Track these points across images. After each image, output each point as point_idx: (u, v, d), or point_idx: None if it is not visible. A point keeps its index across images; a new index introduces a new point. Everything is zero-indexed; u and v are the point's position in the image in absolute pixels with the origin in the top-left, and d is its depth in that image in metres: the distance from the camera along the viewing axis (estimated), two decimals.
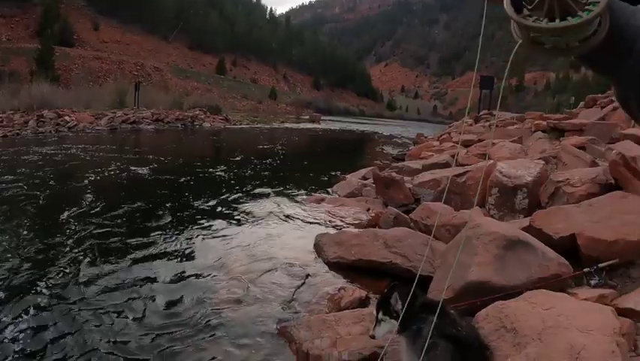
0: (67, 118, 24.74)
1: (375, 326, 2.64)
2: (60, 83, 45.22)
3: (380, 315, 2.61)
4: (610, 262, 4.03)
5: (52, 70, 52.16)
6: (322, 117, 53.06)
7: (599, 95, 17.38)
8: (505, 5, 0.80)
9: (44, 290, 4.37)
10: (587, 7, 0.76)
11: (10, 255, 5.25)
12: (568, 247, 4.34)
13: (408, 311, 2.48)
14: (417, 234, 5.36)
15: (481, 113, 25.55)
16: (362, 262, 4.85)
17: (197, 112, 34.12)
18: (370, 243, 5.08)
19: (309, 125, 40.03)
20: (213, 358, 3.38)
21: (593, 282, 3.89)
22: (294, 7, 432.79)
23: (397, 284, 2.72)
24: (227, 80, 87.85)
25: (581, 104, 19.18)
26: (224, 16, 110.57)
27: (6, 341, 3.51)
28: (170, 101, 37.99)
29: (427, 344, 2.39)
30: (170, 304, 4.18)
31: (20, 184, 9.26)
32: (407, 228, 5.81)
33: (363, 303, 4.09)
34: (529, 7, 0.79)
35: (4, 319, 3.81)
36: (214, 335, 3.68)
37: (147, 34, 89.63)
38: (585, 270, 3.94)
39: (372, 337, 2.65)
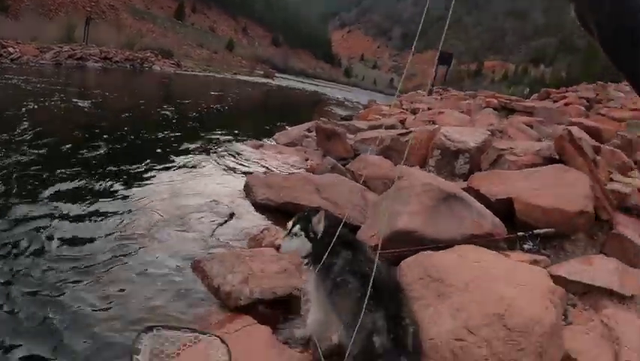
0: (10, 50, 23.52)
1: (285, 236, 2.40)
2: (8, 14, 42.70)
3: (296, 228, 2.36)
4: (545, 230, 3.90)
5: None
6: (277, 75, 52.32)
7: (554, 89, 17.65)
8: None
9: None
10: None
11: None
12: (504, 211, 4.17)
13: (325, 240, 2.28)
14: (350, 182, 5.13)
15: (435, 87, 25.54)
16: (290, 206, 4.59)
17: (148, 54, 33.01)
18: (301, 187, 4.84)
19: (263, 80, 39.38)
20: (121, 290, 3.09)
21: (526, 246, 3.75)
22: None
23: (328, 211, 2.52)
24: (184, 26, 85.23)
25: (535, 95, 19.43)
26: None
27: None
28: (121, 40, 36.60)
29: (337, 280, 2.20)
30: (82, 240, 3.79)
31: None
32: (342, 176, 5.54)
33: None
34: None
35: None
36: (125, 269, 3.38)
37: None
38: (520, 234, 3.81)
39: (278, 248, 2.46)
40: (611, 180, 5.66)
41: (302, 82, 51.71)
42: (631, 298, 3.45)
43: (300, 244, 2.35)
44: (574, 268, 3.42)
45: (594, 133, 7.32)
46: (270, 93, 29.16)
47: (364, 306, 1.95)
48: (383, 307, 2.08)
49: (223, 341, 1.94)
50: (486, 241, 3.45)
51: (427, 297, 2.51)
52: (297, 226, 2.36)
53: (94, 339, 2.60)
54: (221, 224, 4.35)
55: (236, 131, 10.19)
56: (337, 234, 2.32)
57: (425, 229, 3.30)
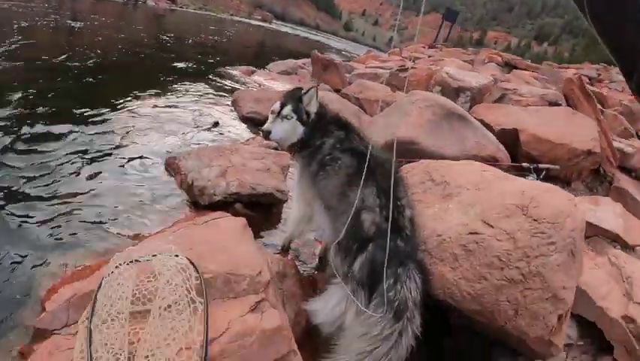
0: None
1: (273, 120, 2.04)
2: None
3: (286, 110, 2.03)
4: (550, 165, 3.66)
5: None
6: (275, 21, 51.38)
7: (555, 64, 17.70)
8: None
9: None
10: None
11: None
12: (508, 143, 3.92)
13: (318, 120, 2.03)
14: (345, 102, 4.85)
15: (436, 43, 24.93)
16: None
17: None
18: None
19: (261, 24, 38.53)
20: (92, 190, 2.79)
21: (530, 178, 3.49)
22: None
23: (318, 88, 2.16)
24: None
25: None
26: None
27: None
28: None
29: (325, 160, 1.92)
30: (67, 142, 3.51)
31: None
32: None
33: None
34: None
35: None
36: (100, 168, 3.11)
37: None
38: (525, 164, 3.57)
39: (267, 133, 2.03)
40: (613, 140, 5.48)
41: (300, 30, 50.70)
42: (633, 251, 3.25)
43: (291, 128, 2.02)
44: (580, 205, 3.18)
45: (599, 98, 7.08)
46: (266, 35, 28.59)
47: (352, 184, 1.75)
48: (375, 185, 1.77)
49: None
50: (489, 164, 3.17)
51: (430, 200, 2.18)
52: (288, 107, 2.03)
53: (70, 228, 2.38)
54: (202, 130, 4.12)
55: (230, 60, 9.83)
56: (332, 113, 2.10)
57: (426, 141, 3.03)
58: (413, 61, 6.90)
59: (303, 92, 2.06)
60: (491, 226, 1.83)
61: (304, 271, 2.30)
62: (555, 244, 1.74)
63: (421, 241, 1.82)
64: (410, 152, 2.95)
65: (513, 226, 1.80)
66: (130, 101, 4.99)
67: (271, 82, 7.10)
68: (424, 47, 19.14)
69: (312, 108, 2.03)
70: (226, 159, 2.85)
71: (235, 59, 10.62)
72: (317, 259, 2.39)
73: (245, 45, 17.39)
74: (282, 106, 2.05)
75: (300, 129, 2.02)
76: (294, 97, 2.06)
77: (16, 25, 8.91)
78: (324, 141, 1.98)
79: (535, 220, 1.79)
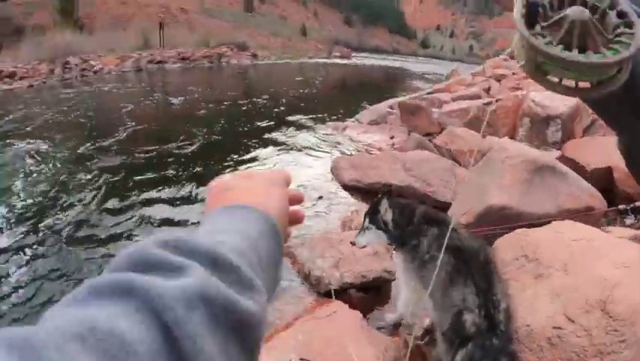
0: (92, 63, 24.57)
1: (359, 232, 2.38)
2: (84, 31, 45.14)
3: (366, 222, 2.34)
4: None
5: (76, 18, 51.90)
6: (353, 54, 51.98)
7: None
8: (515, 14, 0.62)
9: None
10: (613, 45, 0.62)
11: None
12: (602, 182, 3.96)
13: (404, 224, 2.25)
14: (439, 158, 5.06)
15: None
16: (379, 186, 4.55)
17: (224, 49, 33.52)
18: (388, 166, 4.83)
19: (340, 61, 39.20)
20: None
21: (628, 221, 3.51)
22: None
23: (389, 191, 2.45)
24: (254, 17, 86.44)
25: None
26: None
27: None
28: (196, 40, 37.39)
29: (425, 258, 2.16)
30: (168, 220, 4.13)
31: (46, 119, 9.73)
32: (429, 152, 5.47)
33: None
34: (543, 25, 0.63)
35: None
36: None
37: None
38: (621, 207, 3.53)
39: (353, 244, 2.41)
40: None
41: (379, 58, 51.12)
42: None
43: (374, 237, 2.33)
44: None
45: None
46: (348, 73, 29.03)
47: (453, 282, 1.96)
48: (473, 282, 2.00)
49: None
50: (584, 215, 3.25)
51: (522, 279, 2.38)
52: (367, 219, 2.34)
53: None
54: (311, 205, 4.44)
55: (319, 114, 10.24)
56: (419, 213, 2.28)
57: (519, 204, 3.18)
58: (495, 100, 6.97)
59: (377, 203, 2.33)
60: (572, 322, 2.04)
61: (416, 344, 2.52)
62: (626, 341, 1.91)
63: (514, 331, 2.04)
64: (503, 218, 3.11)
65: (591, 323, 1.99)
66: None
67: (364, 136, 7.41)
68: (505, 60, 18.89)
69: (388, 216, 2.28)
70: (336, 250, 3.20)
71: (323, 109, 11.03)
72: (426, 333, 2.61)
73: (330, 89, 17.91)
74: (364, 218, 2.37)
75: (384, 236, 2.30)
76: (373, 208, 2.35)
77: (124, 110, 9.96)
78: (420, 240, 2.20)
79: (610, 317, 1.97)
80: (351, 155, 6.12)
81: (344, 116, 9.97)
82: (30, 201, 4.95)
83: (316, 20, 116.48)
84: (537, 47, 0.60)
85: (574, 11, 0.60)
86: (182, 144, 7.29)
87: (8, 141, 7.58)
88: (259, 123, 9.13)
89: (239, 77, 21.94)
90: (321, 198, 4.63)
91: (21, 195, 5.17)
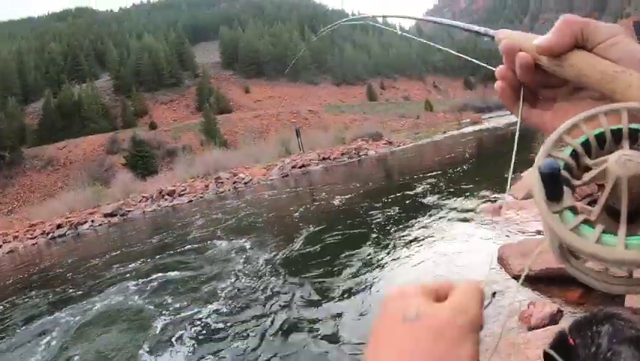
0: (241, 175, 26.62)
1: None
2: (228, 146, 49.61)
3: None
4: None
5: (219, 136, 57.65)
6: (482, 116, 51.35)
7: None
8: (534, 190, 0.45)
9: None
10: None
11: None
12: None
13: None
14: None
15: None
16: (550, 272, 4.44)
17: (359, 143, 34.70)
18: None
19: (472, 129, 38.73)
20: None
21: None
22: (422, 14, 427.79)
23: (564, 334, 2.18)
24: (379, 104, 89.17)
25: None
26: (358, 45, 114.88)
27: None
28: (331, 138, 39.13)
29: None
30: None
31: (213, 229, 11.36)
32: None
33: (554, 319, 3.78)
34: (575, 185, 0.45)
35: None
36: None
37: (293, 83, 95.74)
38: None
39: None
40: None
41: (510, 114, 49.99)
42: None
43: None
44: None
45: None
46: (483, 139, 28.60)
47: None
48: None
49: None
50: None
51: None
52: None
53: None
54: (486, 306, 4.35)
55: (466, 193, 10.23)
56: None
57: None
58: None
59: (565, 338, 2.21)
60: None
61: None
62: None
63: None
64: None
65: None
66: (384, 265, 5.65)
67: (522, 214, 7.30)
68: None
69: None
70: (523, 355, 3.19)
71: (470, 187, 10.97)
72: None
73: (470, 162, 17.77)
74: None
75: None
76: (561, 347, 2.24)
77: (285, 212, 10.79)
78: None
79: None
80: (516, 239, 5.93)
81: (494, 189, 9.85)
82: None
83: (438, 92, 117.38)
84: (561, 238, 0.42)
85: (618, 161, 0.40)
86: (335, 240, 7.77)
87: (196, 245, 8.61)
88: (404, 212, 9.37)
89: (379, 167, 22.56)
90: (494, 294, 4.46)
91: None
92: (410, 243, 7.12)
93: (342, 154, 30.55)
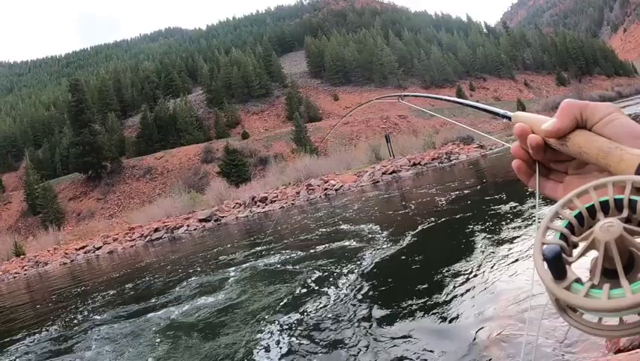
0: (332, 182, 26.81)
1: None
2: (319, 154, 50.36)
3: None
4: None
5: (309, 144, 58.81)
6: None
7: None
8: (536, 265, 0.51)
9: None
10: None
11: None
12: None
13: None
14: None
15: None
16: None
17: (450, 147, 34.17)
18: None
19: None
20: None
21: None
22: (506, 10, 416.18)
23: None
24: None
25: None
26: (444, 47, 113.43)
27: None
28: (421, 143, 38.77)
29: None
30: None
31: (305, 234, 11.67)
32: None
33: None
34: (571, 262, 0.51)
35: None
36: None
37: (381, 88, 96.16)
38: None
39: None
40: None
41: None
42: None
43: None
44: None
45: None
46: None
47: None
48: None
49: None
50: None
51: None
52: None
53: None
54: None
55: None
56: None
57: None
58: None
59: None
60: None
61: None
62: None
63: None
64: None
65: None
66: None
67: None
68: None
69: None
70: None
71: None
72: None
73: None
74: None
75: None
76: None
77: (373, 216, 10.73)
78: None
79: None
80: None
81: None
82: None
83: (530, 90, 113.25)
84: (579, 305, 0.47)
85: (602, 228, 0.48)
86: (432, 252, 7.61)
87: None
88: (503, 221, 8.94)
89: (471, 172, 22.06)
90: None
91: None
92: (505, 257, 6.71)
93: (433, 159, 30.25)
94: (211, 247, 14.65)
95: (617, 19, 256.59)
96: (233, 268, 9.94)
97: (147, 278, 11.60)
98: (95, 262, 21.07)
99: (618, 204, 0.51)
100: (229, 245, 14.13)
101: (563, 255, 0.50)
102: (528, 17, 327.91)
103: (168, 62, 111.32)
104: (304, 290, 6.99)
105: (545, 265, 0.49)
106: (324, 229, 12.45)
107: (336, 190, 25.20)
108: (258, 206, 26.16)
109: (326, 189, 25.84)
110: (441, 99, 1.23)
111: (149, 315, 7.58)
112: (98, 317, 8.31)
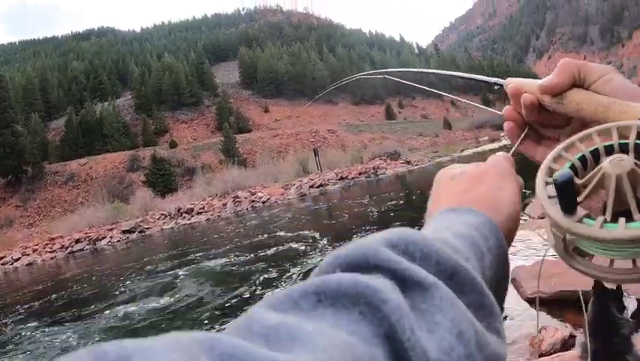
0: (259, 194, 26.55)
1: None
2: (247, 165, 50.00)
3: None
4: None
5: (238, 155, 58.36)
6: (501, 133, 51.06)
7: None
8: (538, 192, 0.49)
9: None
10: None
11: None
12: None
13: None
14: None
15: None
16: (564, 294, 4.27)
17: (377, 162, 34.52)
18: (565, 270, 4.46)
19: (490, 146, 38.59)
20: None
21: None
22: (438, 33, 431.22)
23: None
24: (398, 123, 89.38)
25: None
26: (376, 64, 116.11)
27: None
28: (349, 157, 39.15)
29: None
30: None
31: (229, 247, 11.12)
32: None
33: (565, 344, 3.60)
34: (581, 200, 0.47)
35: None
36: None
37: (313, 102, 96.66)
38: None
39: None
40: None
41: None
42: None
43: None
44: None
45: None
46: None
47: None
48: None
49: None
50: None
51: None
52: None
53: None
54: None
55: None
56: None
57: None
58: None
59: None
60: None
61: None
62: None
63: None
64: None
65: None
66: None
67: (537, 233, 7.20)
68: None
69: None
70: None
71: None
72: None
73: None
74: None
75: None
76: None
77: (289, 232, 10.80)
78: None
79: None
80: (532, 260, 5.78)
81: None
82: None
83: (456, 110, 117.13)
84: (594, 236, 0.43)
85: (612, 163, 0.46)
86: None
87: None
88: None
89: (396, 186, 22.42)
90: (505, 318, 4.25)
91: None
92: None
93: (360, 173, 30.45)
94: (135, 260, 14.16)
95: (543, 46, 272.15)
96: (160, 281, 9.69)
97: (69, 293, 11.09)
98: (13, 274, 19.97)
99: (623, 149, 0.49)
100: (154, 257, 13.71)
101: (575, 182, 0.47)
102: (459, 41, 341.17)
103: (98, 63, 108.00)
104: (235, 300, 6.96)
105: (553, 200, 0.46)
106: (252, 240, 12.35)
107: (264, 203, 24.89)
108: (184, 217, 25.60)
109: (253, 201, 25.51)
110: (423, 72, 1.23)
111: (73, 330, 7.30)
112: (21, 333, 7.92)
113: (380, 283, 0.30)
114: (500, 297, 0.45)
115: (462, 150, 40.30)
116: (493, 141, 45.51)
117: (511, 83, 0.66)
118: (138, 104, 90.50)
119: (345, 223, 12.30)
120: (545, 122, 0.64)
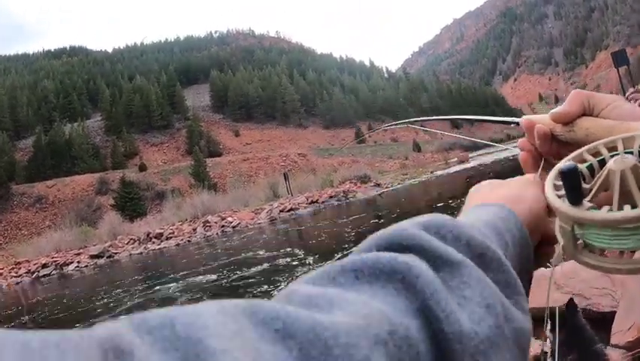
0: (229, 219, 26.34)
1: None
2: (218, 190, 49.59)
3: None
4: None
5: (208, 179, 58.06)
6: (470, 155, 51.71)
7: None
8: (547, 193, 0.50)
9: None
10: None
11: None
12: None
13: None
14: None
15: (628, 93, 22.85)
16: (534, 311, 4.16)
17: (347, 185, 34.52)
18: (535, 286, 4.48)
19: (459, 168, 39.10)
20: None
21: None
22: (407, 57, 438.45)
23: None
24: (368, 146, 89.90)
25: None
26: (347, 89, 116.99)
27: None
28: (319, 181, 39.07)
29: None
30: None
31: (198, 272, 10.91)
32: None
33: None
34: (589, 198, 0.48)
35: None
36: None
37: (283, 126, 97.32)
38: None
39: None
40: None
41: (496, 151, 50.37)
42: None
43: None
44: None
45: None
46: (471, 177, 28.80)
47: None
48: None
49: None
50: None
51: None
52: None
53: None
54: None
55: None
56: None
57: None
58: None
59: None
60: None
61: None
62: None
63: None
64: None
65: None
66: None
67: None
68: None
69: None
70: None
71: None
72: None
73: (455, 201, 17.93)
74: None
75: None
76: None
77: (258, 256, 10.74)
78: None
79: None
80: None
81: None
82: None
83: (425, 132, 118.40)
84: (605, 222, 0.43)
85: (616, 161, 0.47)
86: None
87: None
88: None
89: (366, 209, 22.48)
90: None
91: None
92: None
93: (331, 197, 30.19)
94: (104, 285, 13.86)
95: (509, 69, 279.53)
96: (129, 306, 9.61)
97: (34, 318, 10.82)
98: None
99: None
100: (123, 282, 13.45)
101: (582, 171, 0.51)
102: (427, 65, 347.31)
103: (69, 82, 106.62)
104: None
105: (562, 198, 0.48)
106: (222, 264, 12.26)
107: (234, 227, 24.67)
108: (153, 242, 25.18)
109: (223, 226, 25.30)
110: (442, 119, 1.31)
111: None
112: None
113: (413, 261, 0.33)
114: (525, 288, 0.45)
115: (431, 172, 40.64)
116: (461, 162, 45.93)
117: (525, 119, 0.69)
118: (108, 126, 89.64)
119: (316, 246, 12.33)
120: (559, 154, 0.65)
